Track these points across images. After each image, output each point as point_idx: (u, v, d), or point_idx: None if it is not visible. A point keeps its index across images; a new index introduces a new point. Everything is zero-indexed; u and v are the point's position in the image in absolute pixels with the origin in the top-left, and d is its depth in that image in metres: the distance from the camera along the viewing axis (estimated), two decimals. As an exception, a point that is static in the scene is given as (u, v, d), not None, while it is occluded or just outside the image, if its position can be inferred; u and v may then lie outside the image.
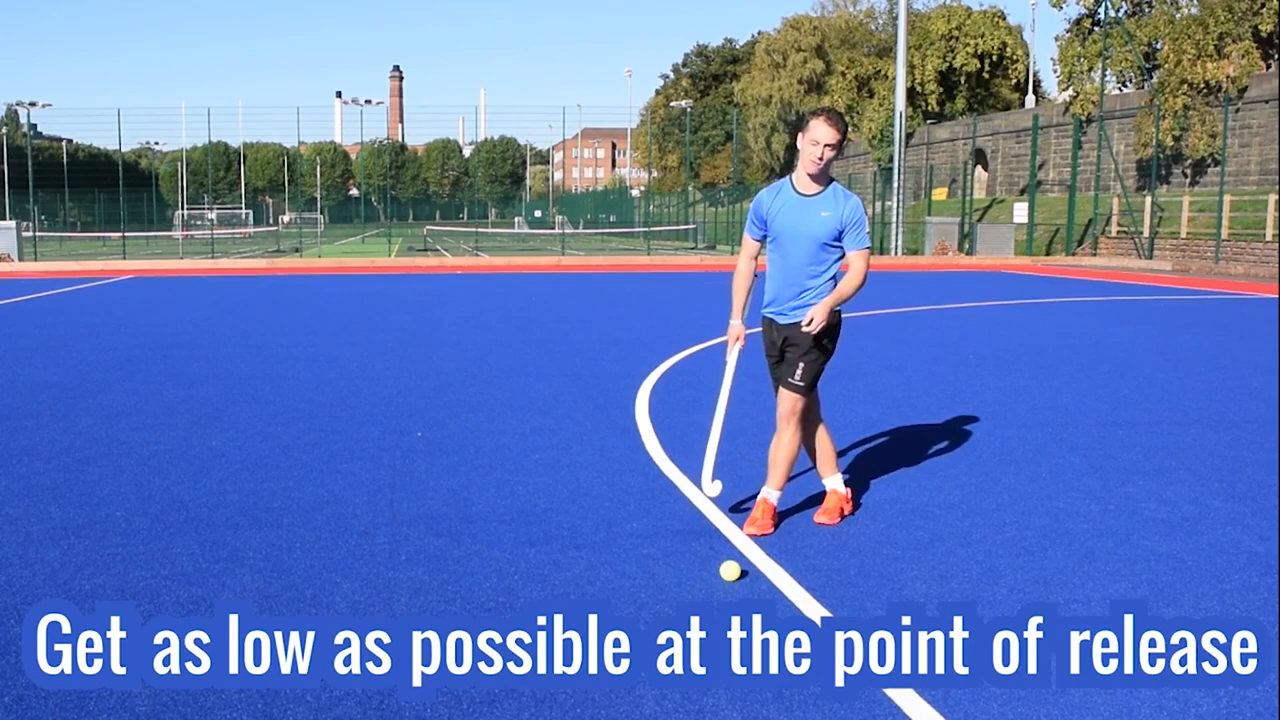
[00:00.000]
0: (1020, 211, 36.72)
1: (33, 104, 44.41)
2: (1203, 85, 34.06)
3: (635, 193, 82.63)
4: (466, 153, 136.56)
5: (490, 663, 3.54)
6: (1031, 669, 3.50)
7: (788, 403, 4.96)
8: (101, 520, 5.16)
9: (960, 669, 3.50)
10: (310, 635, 3.76)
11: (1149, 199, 33.64)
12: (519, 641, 3.72)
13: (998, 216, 41.61)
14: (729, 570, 4.32)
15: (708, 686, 3.36)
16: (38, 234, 39.33)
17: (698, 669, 3.49)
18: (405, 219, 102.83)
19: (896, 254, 36.74)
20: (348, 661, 3.55)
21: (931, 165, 48.57)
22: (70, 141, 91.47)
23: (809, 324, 4.75)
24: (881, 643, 3.70)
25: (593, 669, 3.49)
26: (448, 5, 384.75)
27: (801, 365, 4.91)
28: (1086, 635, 3.79)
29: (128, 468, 6.24)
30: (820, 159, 4.70)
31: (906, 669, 3.49)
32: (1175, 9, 40.08)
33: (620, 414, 7.91)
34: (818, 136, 4.68)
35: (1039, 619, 3.93)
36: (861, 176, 52.70)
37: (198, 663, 3.53)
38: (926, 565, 4.53)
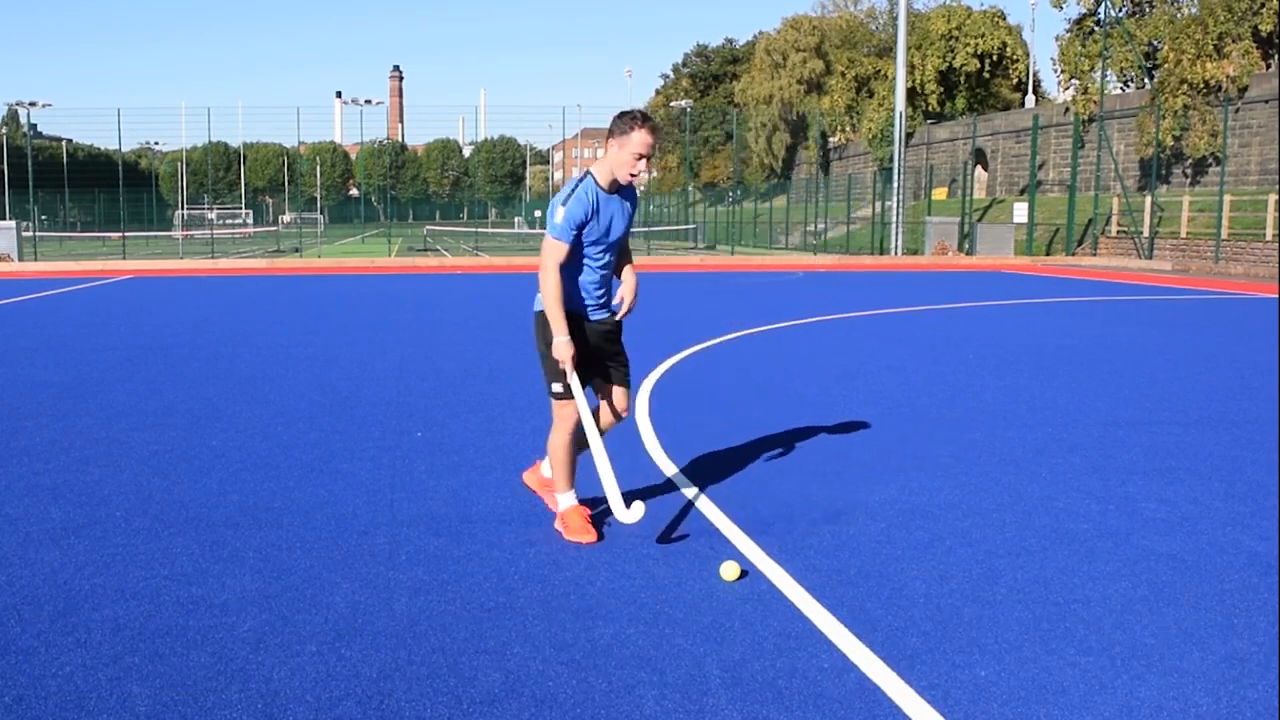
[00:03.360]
0: (1020, 211, 36.72)
1: (33, 104, 44.40)
2: (1203, 85, 34.08)
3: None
4: (466, 153, 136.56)
5: (490, 663, 3.54)
6: (1032, 669, 3.50)
7: (625, 400, 4.96)
8: (101, 520, 5.16)
9: (960, 668, 3.50)
10: (310, 635, 3.77)
11: (1149, 199, 33.65)
12: (519, 641, 3.72)
13: (998, 216, 41.62)
14: (729, 570, 4.32)
15: (708, 686, 3.37)
16: (38, 234, 39.36)
17: (698, 669, 3.49)
18: (405, 219, 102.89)
19: (896, 254, 36.75)
20: (348, 661, 3.55)
21: (931, 165, 48.57)
22: (70, 141, 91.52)
23: (627, 311, 4.81)
24: (882, 642, 3.71)
25: (593, 669, 3.49)
26: (448, 5, 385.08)
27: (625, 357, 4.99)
28: (1087, 635, 3.80)
29: (128, 468, 6.24)
30: (637, 172, 4.59)
31: (906, 668, 3.49)
32: (1175, 9, 40.11)
33: (620, 414, 7.90)
34: (640, 149, 4.53)
35: (1039, 619, 3.94)
36: (861, 176, 52.73)
37: (198, 662, 3.53)
38: (926, 565, 4.53)
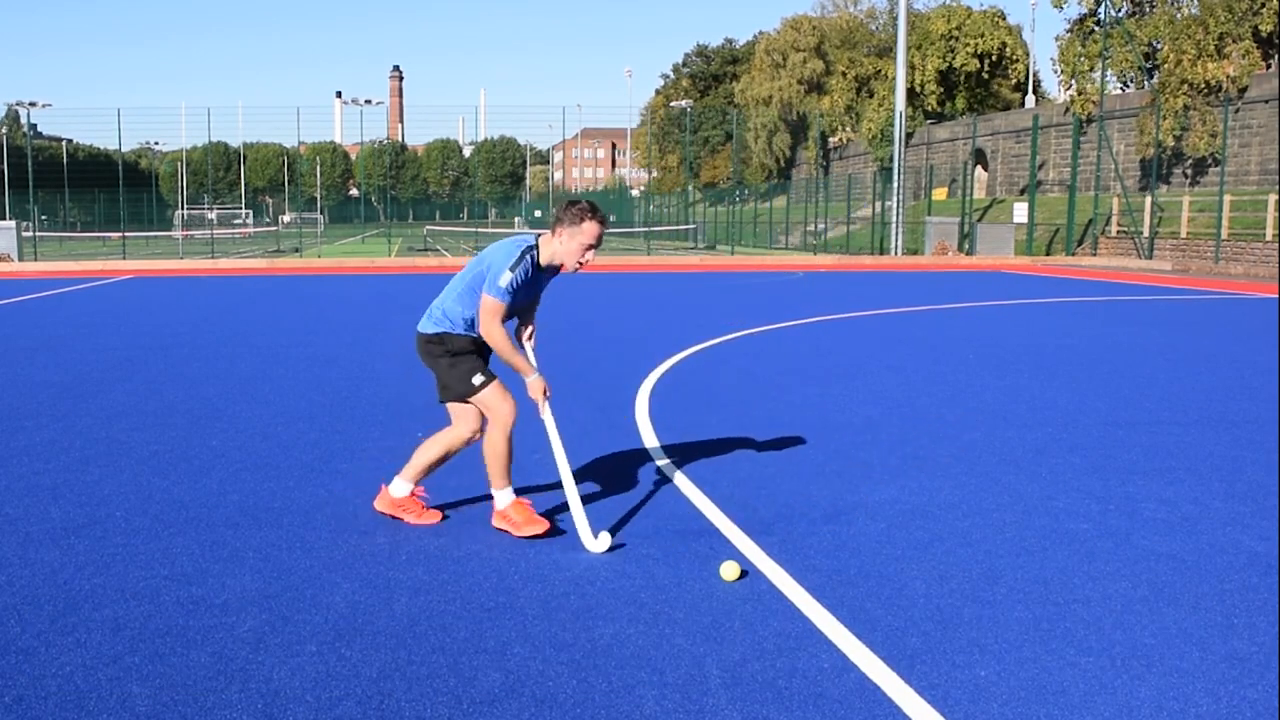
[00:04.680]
0: (1020, 211, 36.72)
1: (33, 104, 44.41)
2: (1203, 85, 34.07)
3: (635, 193, 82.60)
4: (466, 153, 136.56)
5: (490, 663, 3.54)
6: (1032, 669, 3.50)
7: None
8: (101, 520, 5.16)
9: (960, 668, 3.50)
10: (310, 635, 3.77)
11: (1149, 199, 33.65)
12: (519, 641, 3.72)
13: (998, 216, 41.62)
14: (729, 570, 4.32)
15: (708, 686, 3.37)
16: (38, 234, 39.35)
17: (698, 669, 3.49)
18: (405, 219, 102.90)
19: (896, 254, 36.75)
20: (348, 661, 3.55)
21: (931, 165, 48.58)
22: (70, 141, 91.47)
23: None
24: (882, 642, 3.71)
25: (593, 669, 3.49)
26: (448, 5, 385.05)
27: None
28: (1087, 635, 3.80)
29: (128, 468, 6.24)
30: (586, 261, 4.80)
31: (906, 668, 3.49)
32: (1175, 9, 40.11)
33: (620, 414, 7.90)
34: (591, 239, 4.73)
35: (1039, 619, 3.94)
36: (861, 176, 52.73)
37: (198, 662, 3.53)
38: (926, 565, 4.53)
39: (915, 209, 44.05)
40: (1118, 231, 34.87)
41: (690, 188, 65.21)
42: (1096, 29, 39.87)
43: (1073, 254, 35.30)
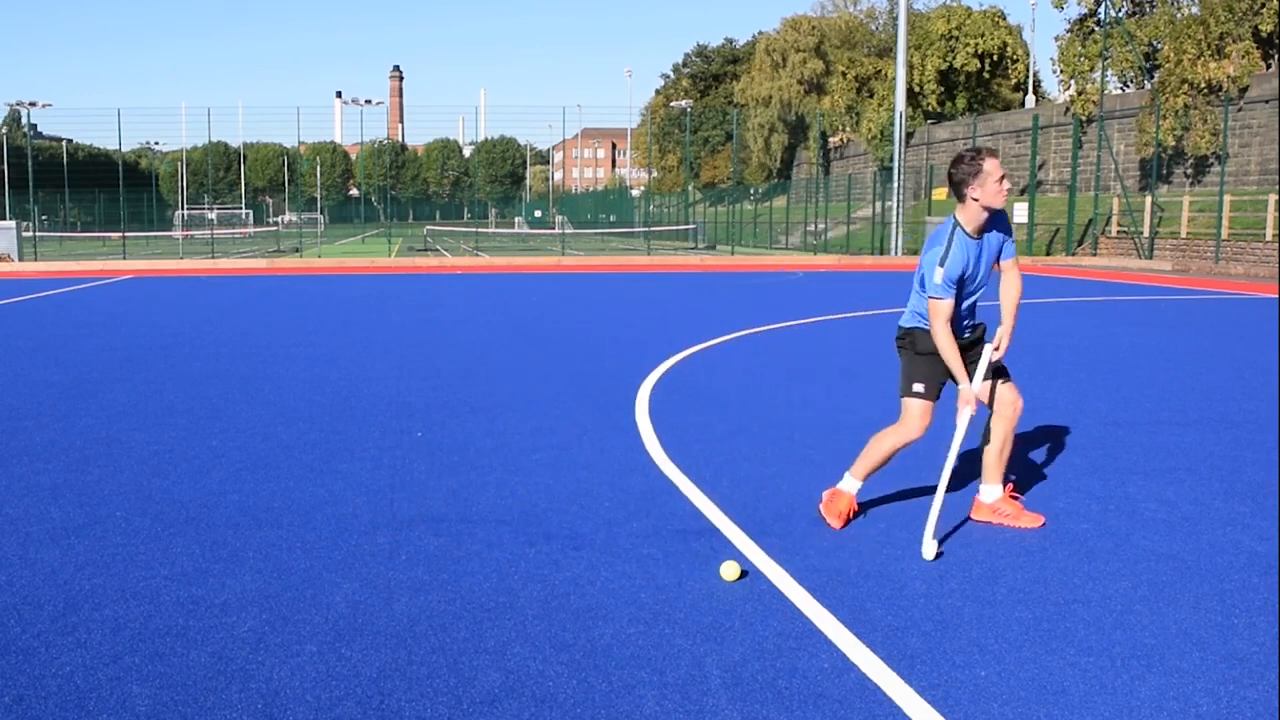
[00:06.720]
0: (1020, 211, 36.72)
1: (33, 104, 44.40)
2: (1203, 85, 34.07)
3: (635, 193, 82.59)
4: (466, 153, 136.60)
5: (490, 663, 3.54)
6: (1032, 669, 3.50)
7: (1004, 391, 5.13)
8: (101, 520, 5.16)
9: (960, 668, 3.50)
10: (310, 635, 3.77)
11: (1149, 199, 33.64)
12: (519, 641, 3.72)
13: (998, 216, 41.53)
14: (729, 570, 4.32)
15: (708, 686, 3.37)
16: (38, 234, 39.35)
17: (698, 669, 3.49)
18: (405, 219, 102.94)
19: (897, 254, 36.78)
20: (348, 661, 3.55)
21: (932, 165, 48.55)
22: (70, 141, 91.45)
23: (1000, 356, 5.11)
24: (882, 642, 3.71)
25: (593, 669, 3.49)
26: (448, 5, 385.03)
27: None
28: (1087, 635, 3.80)
29: (128, 468, 6.24)
30: (1008, 190, 4.80)
31: (906, 668, 3.49)
32: (1176, 9, 40.10)
33: (620, 414, 7.90)
34: (999, 172, 4.73)
35: (1039, 619, 3.94)
36: (861, 176, 52.72)
37: (198, 662, 3.53)
38: (926, 565, 4.53)
39: (915, 209, 44.05)
40: (1118, 231, 34.87)
41: (690, 188, 65.22)
42: (1096, 29, 39.88)
43: (1073, 254, 35.30)
